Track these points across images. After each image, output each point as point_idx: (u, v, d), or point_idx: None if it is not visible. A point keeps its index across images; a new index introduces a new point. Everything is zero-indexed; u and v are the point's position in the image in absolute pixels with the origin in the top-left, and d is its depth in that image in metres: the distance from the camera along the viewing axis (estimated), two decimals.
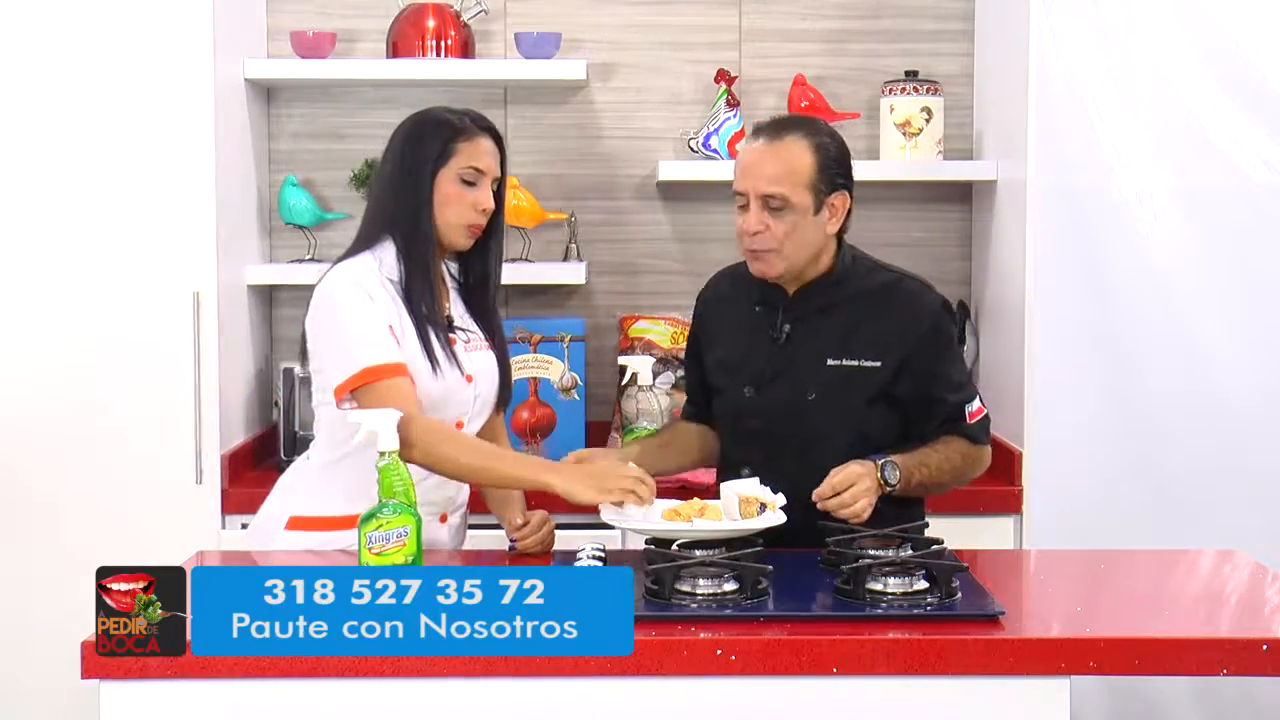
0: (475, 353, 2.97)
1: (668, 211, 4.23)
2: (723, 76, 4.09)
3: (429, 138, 2.90)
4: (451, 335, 2.93)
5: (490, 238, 2.99)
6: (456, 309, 3.01)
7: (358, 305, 2.83)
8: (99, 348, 3.62)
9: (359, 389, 2.79)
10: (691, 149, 4.08)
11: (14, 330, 3.62)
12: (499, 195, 2.96)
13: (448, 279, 3.02)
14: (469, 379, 2.93)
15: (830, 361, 2.92)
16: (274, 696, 2.35)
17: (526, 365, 4.00)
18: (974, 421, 2.99)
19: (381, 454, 2.62)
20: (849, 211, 2.98)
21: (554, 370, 4.03)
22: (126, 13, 3.59)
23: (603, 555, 2.68)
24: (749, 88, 4.20)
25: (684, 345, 3.47)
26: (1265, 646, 2.36)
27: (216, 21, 3.62)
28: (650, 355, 3.89)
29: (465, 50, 4.03)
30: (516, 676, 2.34)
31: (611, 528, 2.92)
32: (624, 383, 3.85)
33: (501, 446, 3.10)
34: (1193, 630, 2.51)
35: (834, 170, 2.92)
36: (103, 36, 3.59)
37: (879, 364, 2.92)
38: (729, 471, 3.00)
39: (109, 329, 3.63)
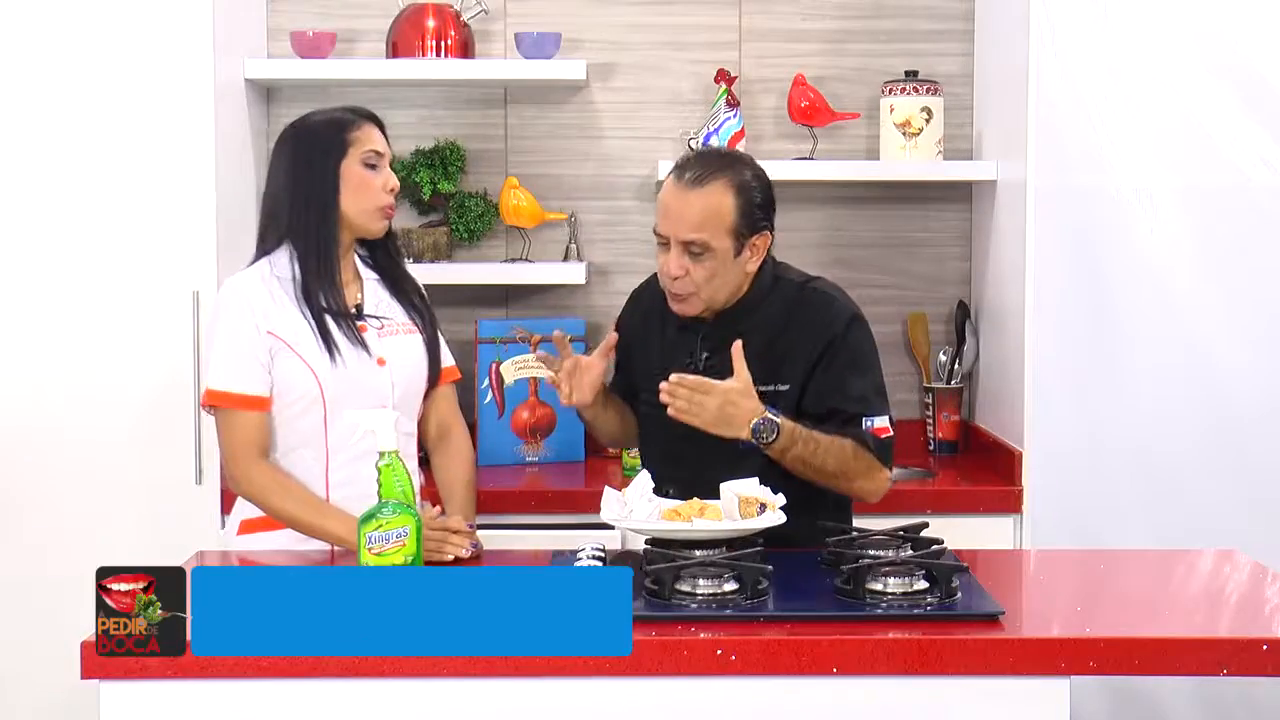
0: (390, 338, 3.00)
1: None
2: (723, 76, 4.09)
3: (320, 138, 2.96)
4: (361, 323, 2.96)
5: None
6: (376, 297, 3.03)
7: (226, 326, 2.93)
8: (99, 347, 3.63)
9: (207, 407, 2.95)
10: (692, 149, 4.07)
11: (14, 330, 3.62)
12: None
13: (362, 271, 3.05)
14: (380, 363, 2.95)
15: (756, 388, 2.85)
16: (274, 696, 2.36)
17: (527, 365, 4.00)
18: (873, 434, 2.87)
19: (381, 454, 2.63)
20: (769, 244, 2.93)
21: None
22: (126, 13, 3.59)
23: (603, 555, 2.68)
24: (749, 88, 4.20)
25: None
26: (1265, 646, 2.37)
27: (216, 21, 3.62)
28: None
29: (465, 50, 4.03)
30: (516, 676, 2.34)
31: (611, 528, 2.92)
32: None
33: (456, 424, 3.12)
34: (1193, 630, 2.51)
35: (756, 214, 2.88)
36: (103, 36, 3.59)
37: (788, 386, 2.88)
38: (660, 486, 2.88)
39: (109, 329, 3.63)
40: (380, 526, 2.59)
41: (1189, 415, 3.78)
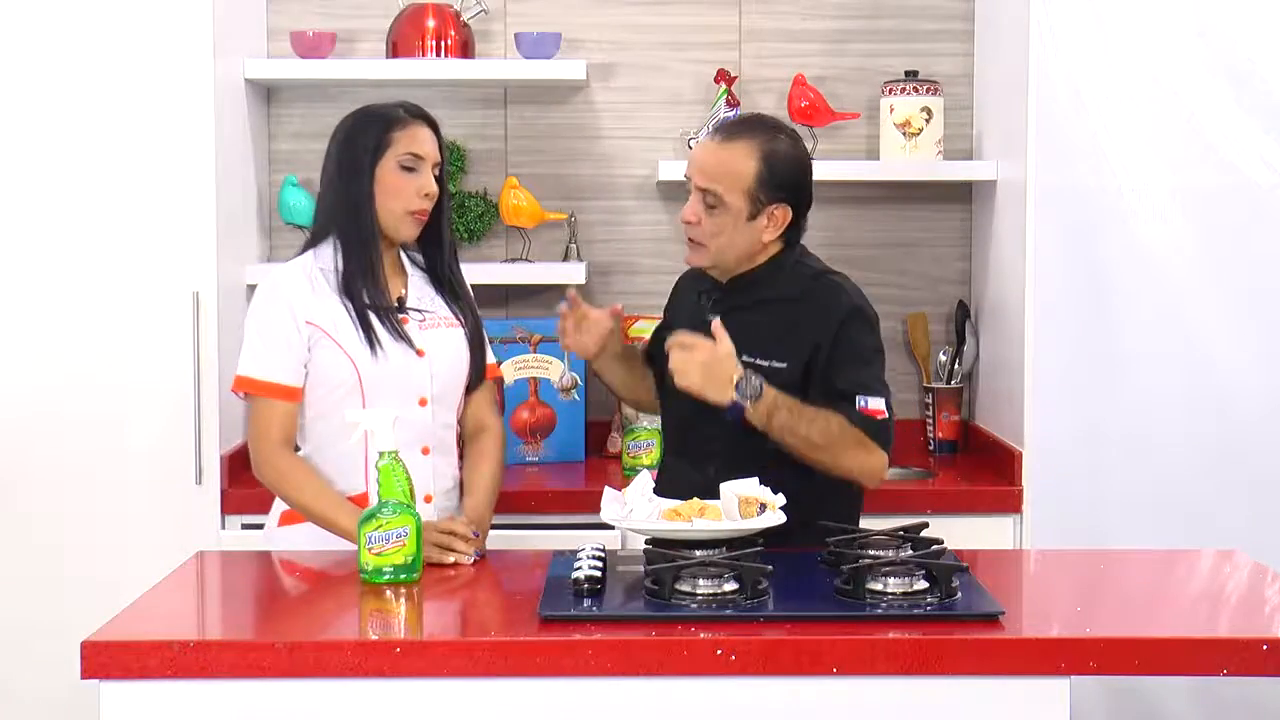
0: (431, 330, 3.02)
1: (668, 211, 4.22)
2: (723, 76, 4.10)
3: (365, 132, 2.98)
4: (403, 315, 2.98)
5: (439, 219, 3.04)
6: (420, 291, 3.05)
7: (263, 315, 2.95)
8: (99, 348, 3.63)
9: (238, 392, 2.97)
10: (691, 149, 4.07)
11: (14, 330, 3.62)
12: (441, 181, 3.02)
13: (408, 265, 3.07)
14: (420, 354, 2.97)
15: (744, 358, 2.91)
16: (274, 696, 2.35)
17: (526, 365, 4.00)
18: (866, 415, 2.86)
19: (380, 454, 2.63)
20: (794, 224, 2.98)
21: (554, 370, 4.03)
22: (126, 13, 3.60)
23: (603, 555, 2.68)
24: (749, 88, 4.20)
25: None
26: (1265, 646, 2.36)
27: (216, 21, 3.62)
28: None
29: (465, 50, 4.03)
30: (515, 676, 2.34)
31: (612, 528, 2.92)
32: None
33: (491, 422, 3.13)
34: (1193, 630, 2.51)
35: (777, 182, 2.93)
36: (103, 36, 3.59)
37: (785, 365, 2.91)
38: (668, 454, 3.08)
39: (109, 329, 3.63)
40: (380, 526, 2.59)
41: (1189, 415, 3.78)
